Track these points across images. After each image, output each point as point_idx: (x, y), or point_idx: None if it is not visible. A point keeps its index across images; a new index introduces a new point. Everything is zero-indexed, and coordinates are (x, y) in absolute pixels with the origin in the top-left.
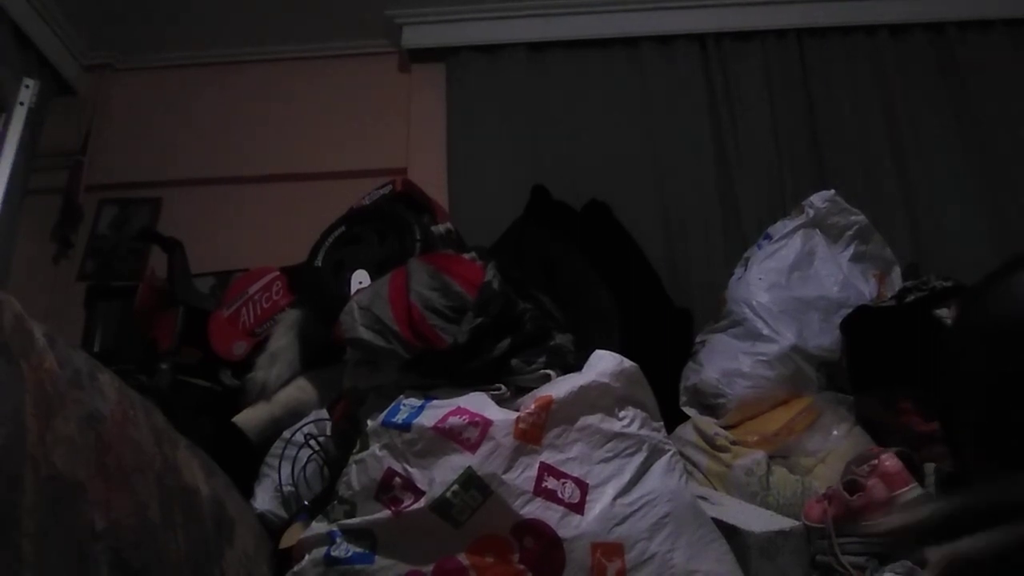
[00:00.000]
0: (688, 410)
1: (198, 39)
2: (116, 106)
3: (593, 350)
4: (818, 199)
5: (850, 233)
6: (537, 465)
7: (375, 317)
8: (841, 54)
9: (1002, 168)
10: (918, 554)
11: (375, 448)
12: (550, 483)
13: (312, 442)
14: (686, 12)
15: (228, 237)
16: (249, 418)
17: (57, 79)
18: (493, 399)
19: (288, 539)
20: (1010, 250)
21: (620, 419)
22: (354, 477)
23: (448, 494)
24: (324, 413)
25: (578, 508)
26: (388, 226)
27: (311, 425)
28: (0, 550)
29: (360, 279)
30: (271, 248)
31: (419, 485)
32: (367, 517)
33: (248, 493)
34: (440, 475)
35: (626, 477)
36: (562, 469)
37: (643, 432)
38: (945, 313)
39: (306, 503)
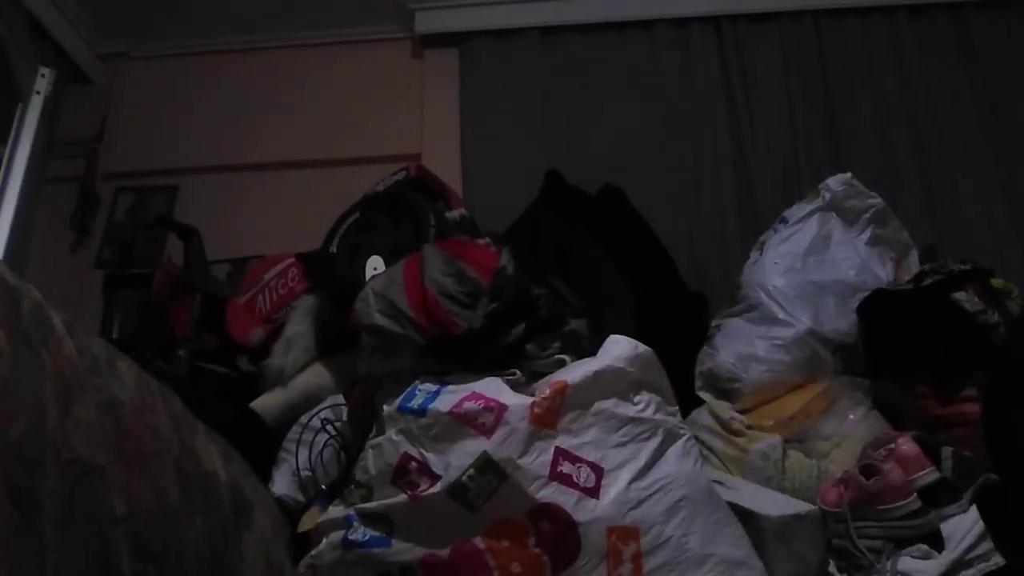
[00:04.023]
0: (703, 394)
1: (212, 26)
2: (131, 94)
3: (608, 335)
4: (834, 182)
5: (867, 216)
6: (552, 449)
7: (390, 303)
8: (858, 35)
9: (1021, 150)
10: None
11: (391, 433)
12: (565, 467)
13: (329, 427)
14: None
15: (244, 224)
16: (266, 403)
17: (72, 68)
18: (508, 384)
19: (306, 523)
20: None
21: (635, 404)
22: (370, 462)
23: (464, 478)
24: (340, 398)
25: (593, 492)
26: (402, 212)
27: (328, 410)
28: (25, 536)
29: (375, 265)
30: (286, 235)
31: (435, 470)
32: (384, 501)
33: (266, 478)
34: (456, 460)
35: (641, 461)
36: (577, 453)
37: (658, 416)
38: (963, 297)
39: (323, 487)
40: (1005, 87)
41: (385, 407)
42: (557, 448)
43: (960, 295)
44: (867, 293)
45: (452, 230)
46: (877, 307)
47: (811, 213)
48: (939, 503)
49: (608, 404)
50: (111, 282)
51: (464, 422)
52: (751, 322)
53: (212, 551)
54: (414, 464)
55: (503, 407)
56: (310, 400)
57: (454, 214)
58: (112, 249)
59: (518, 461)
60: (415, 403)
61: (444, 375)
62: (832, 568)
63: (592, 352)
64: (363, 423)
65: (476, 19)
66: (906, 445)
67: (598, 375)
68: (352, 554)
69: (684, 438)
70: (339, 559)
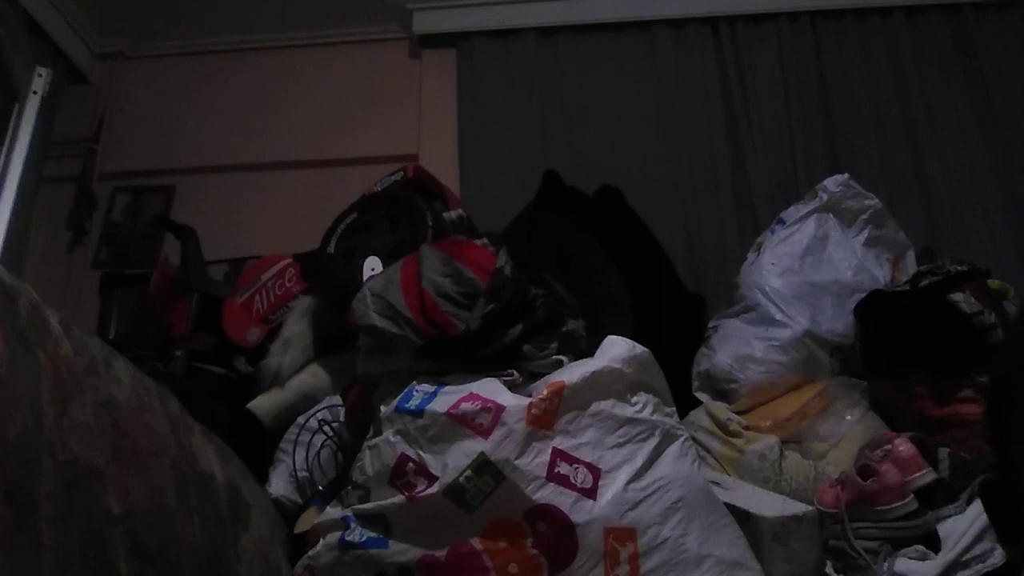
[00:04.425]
0: (701, 395)
1: (209, 26)
2: (128, 94)
3: (605, 336)
4: (832, 183)
5: (864, 217)
6: (550, 450)
7: (387, 304)
8: (856, 36)
9: (1018, 151)
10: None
11: (388, 434)
12: (563, 468)
13: (326, 428)
14: None
15: (241, 224)
16: (263, 404)
17: (70, 68)
18: (505, 385)
19: (303, 524)
20: None
21: (632, 404)
22: (368, 462)
23: (461, 479)
24: (337, 399)
25: (591, 493)
26: (400, 213)
27: (325, 411)
28: (21, 535)
29: (372, 266)
30: (284, 235)
31: (432, 470)
32: (381, 502)
33: (263, 478)
34: (453, 460)
35: (639, 462)
36: (574, 454)
37: (655, 417)
38: (960, 298)
39: (320, 488)
40: (1002, 88)
41: (382, 408)
42: (554, 449)
43: (957, 296)
44: (864, 294)
45: (449, 230)
46: (874, 308)
47: (808, 214)
48: (936, 504)
49: (605, 405)
50: (108, 282)
51: (461, 423)
52: (748, 323)
53: (210, 551)
54: (411, 465)
55: (500, 408)
56: (307, 401)
57: (452, 214)
58: (109, 249)
59: (515, 462)
60: (412, 404)
61: (442, 376)
62: (829, 569)
63: (590, 353)
64: (360, 424)
65: (474, 19)
66: (903, 446)
67: (595, 376)
68: (349, 555)
69: (681, 439)
70: (336, 560)
